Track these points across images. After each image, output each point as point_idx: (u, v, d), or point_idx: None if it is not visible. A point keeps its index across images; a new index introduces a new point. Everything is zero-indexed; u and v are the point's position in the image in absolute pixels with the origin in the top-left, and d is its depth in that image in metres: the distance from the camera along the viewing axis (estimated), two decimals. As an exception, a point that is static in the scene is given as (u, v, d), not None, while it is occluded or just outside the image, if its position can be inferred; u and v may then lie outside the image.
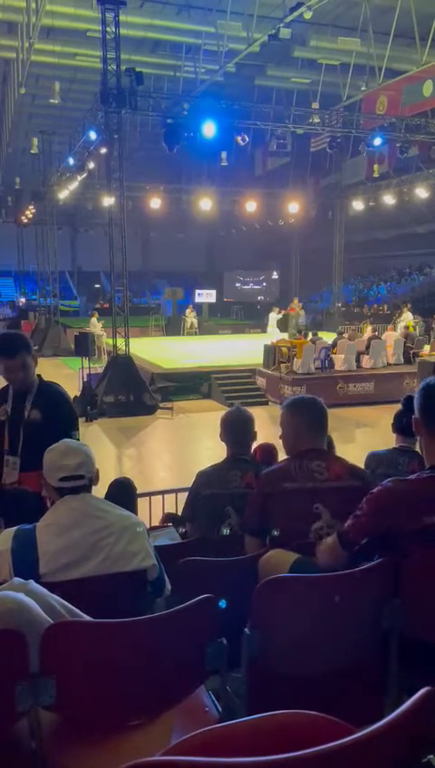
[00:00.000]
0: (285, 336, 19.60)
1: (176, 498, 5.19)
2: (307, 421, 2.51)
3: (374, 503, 2.04)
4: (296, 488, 2.36)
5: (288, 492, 2.36)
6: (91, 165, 18.22)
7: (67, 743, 1.59)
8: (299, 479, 2.38)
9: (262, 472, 2.64)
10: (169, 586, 2.25)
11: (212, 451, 10.28)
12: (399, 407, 3.23)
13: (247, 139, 16.30)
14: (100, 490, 2.38)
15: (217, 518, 2.99)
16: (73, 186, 21.27)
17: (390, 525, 2.00)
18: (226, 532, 2.92)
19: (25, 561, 1.99)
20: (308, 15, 12.86)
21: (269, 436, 3.45)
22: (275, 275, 35.29)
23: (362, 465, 3.13)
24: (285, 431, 2.55)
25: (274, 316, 21.89)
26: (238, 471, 3.07)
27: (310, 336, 16.54)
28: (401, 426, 3.26)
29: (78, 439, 2.95)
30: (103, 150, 15.76)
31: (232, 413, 3.33)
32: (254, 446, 3.47)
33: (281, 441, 2.60)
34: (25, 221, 30.18)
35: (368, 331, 18.11)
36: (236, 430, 3.25)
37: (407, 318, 19.75)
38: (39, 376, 3.38)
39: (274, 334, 20.88)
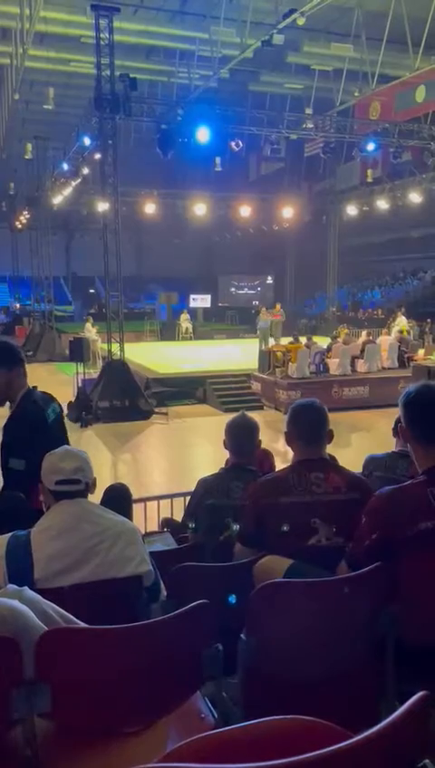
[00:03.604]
0: (271, 341, 19.70)
1: (171, 504, 5.17)
2: (299, 429, 2.50)
3: (373, 517, 2.04)
4: (293, 502, 2.32)
5: (284, 506, 2.33)
6: (86, 170, 18.25)
7: (62, 750, 1.58)
8: (296, 493, 2.34)
9: (257, 480, 2.60)
10: (164, 592, 2.24)
11: (208, 456, 10.29)
12: (399, 410, 3.22)
13: (241, 144, 16.37)
14: (95, 496, 2.37)
15: (218, 528, 2.98)
16: (68, 191, 21.28)
17: (388, 535, 2.00)
18: (233, 528, 2.90)
19: (20, 568, 1.99)
20: (301, 22, 12.95)
21: (265, 441, 3.44)
22: (269, 280, 35.33)
23: (358, 470, 3.13)
24: (286, 437, 2.56)
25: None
26: (241, 482, 3.02)
27: (304, 340, 16.58)
28: None
29: (17, 469, 2.89)
30: (98, 156, 15.79)
31: (236, 420, 3.26)
32: None
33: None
34: (20, 226, 30.17)
35: (344, 335, 17.96)
36: (240, 438, 3.20)
37: (401, 322, 19.82)
38: (32, 389, 3.24)
39: (265, 338, 20.91)
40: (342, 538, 2.24)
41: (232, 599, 1.89)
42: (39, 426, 3.08)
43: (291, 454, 2.57)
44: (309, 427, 2.49)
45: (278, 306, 22.10)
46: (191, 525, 3.37)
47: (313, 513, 2.29)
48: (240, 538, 2.56)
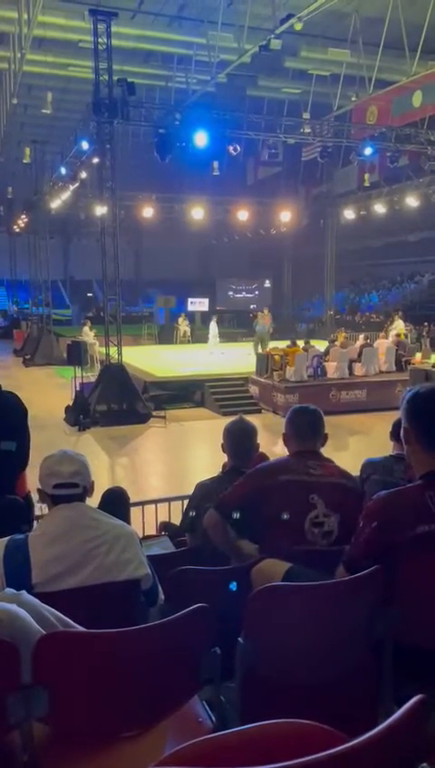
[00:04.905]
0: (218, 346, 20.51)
1: (169, 507, 5.16)
2: (297, 429, 2.71)
3: (370, 519, 2.04)
4: (293, 479, 2.52)
5: (285, 483, 2.52)
6: (84, 174, 18.27)
7: (60, 754, 1.58)
8: (295, 472, 2.54)
9: (258, 466, 2.77)
10: (162, 595, 2.24)
11: (206, 460, 10.28)
12: (396, 414, 3.22)
13: (239, 148, 16.40)
14: (93, 499, 2.37)
15: None
16: (66, 195, 21.30)
17: (385, 538, 2.00)
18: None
19: (17, 572, 1.98)
20: (299, 27, 12.98)
21: (263, 444, 3.45)
22: (267, 284, 35.39)
23: (355, 473, 3.14)
24: (284, 437, 2.77)
25: (214, 325, 22.06)
26: None
27: (302, 344, 16.60)
28: (399, 433, 3.24)
29: (9, 450, 2.95)
30: (96, 160, 15.81)
31: (234, 423, 3.32)
32: None
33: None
34: (18, 230, 30.21)
35: (342, 338, 18.04)
36: (238, 441, 3.26)
37: (398, 326, 19.83)
38: None
39: (215, 344, 21.22)
40: (335, 517, 2.44)
41: (233, 585, 1.95)
42: (24, 412, 3.19)
43: None
44: (306, 427, 2.69)
45: (266, 311, 22.12)
46: (192, 513, 3.39)
47: (311, 490, 2.49)
48: (218, 506, 2.68)
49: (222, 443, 3.28)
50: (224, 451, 3.29)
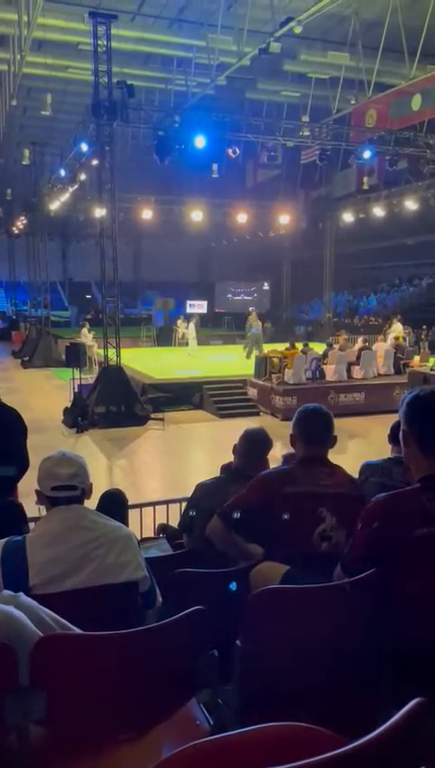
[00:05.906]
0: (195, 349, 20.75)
1: (167, 509, 5.16)
2: (305, 431, 2.63)
3: (368, 522, 2.04)
4: (301, 492, 2.44)
5: (292, 495, 2.43)
6: (83, 176, 18.31)
7: (57, 757, 1.57)
8: (303, 483, 2.46)
9: (263, 474, 2.68)
10: (160, 598, 2.24)
11: (203, 462, 10.28)
12: (395, 417, 3.22)
13: (238, 151, 16.43)
14: (91, 501, 2.37)
15: None
16: (65, 197, 21.33)
17: (384, 540, 2.00)
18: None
19: (15, 573, 1.98)
20: (298, 30, 13.01)
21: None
22: (266, 286, 35.42)
23: (354, 476, 3.14)
24: (291, 438, 2.68)
25: (192, 326, 22.19)
26: (239, 487, 3.04)
27: (301, 347, 16.61)
28: (397, 436, 3.24)
29: (7, 476, 2.93)
30: (95, 162, 15.83)
31: (257, 432, 3.31)
32: None
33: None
34: (17, 232, 30.23)
35: (342, 341, 18.12)
36: (253, 448, 3.24)
37: (397, 329, 19.85)
38: None
39: (193, 346, 21.48)
40: (344, 530, 2.34)
41: (232, 585, 1.94)
42: (24, 431, 3.13)
43: None
44: (315, 429, 2.61)
45: (254, 314, 22.08)
46: (192, 513, 3.38)
47: (320, 502, 2.40)
48: (221, 513, 2.58)
49: (235, 443, 3.28)
50: (234, 451, 3.29)
